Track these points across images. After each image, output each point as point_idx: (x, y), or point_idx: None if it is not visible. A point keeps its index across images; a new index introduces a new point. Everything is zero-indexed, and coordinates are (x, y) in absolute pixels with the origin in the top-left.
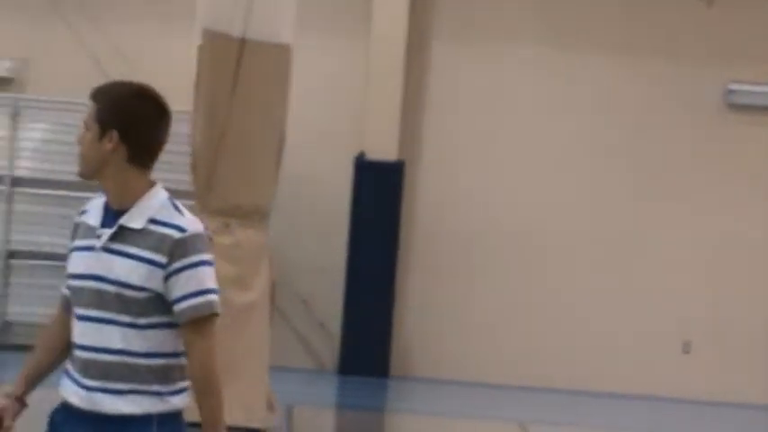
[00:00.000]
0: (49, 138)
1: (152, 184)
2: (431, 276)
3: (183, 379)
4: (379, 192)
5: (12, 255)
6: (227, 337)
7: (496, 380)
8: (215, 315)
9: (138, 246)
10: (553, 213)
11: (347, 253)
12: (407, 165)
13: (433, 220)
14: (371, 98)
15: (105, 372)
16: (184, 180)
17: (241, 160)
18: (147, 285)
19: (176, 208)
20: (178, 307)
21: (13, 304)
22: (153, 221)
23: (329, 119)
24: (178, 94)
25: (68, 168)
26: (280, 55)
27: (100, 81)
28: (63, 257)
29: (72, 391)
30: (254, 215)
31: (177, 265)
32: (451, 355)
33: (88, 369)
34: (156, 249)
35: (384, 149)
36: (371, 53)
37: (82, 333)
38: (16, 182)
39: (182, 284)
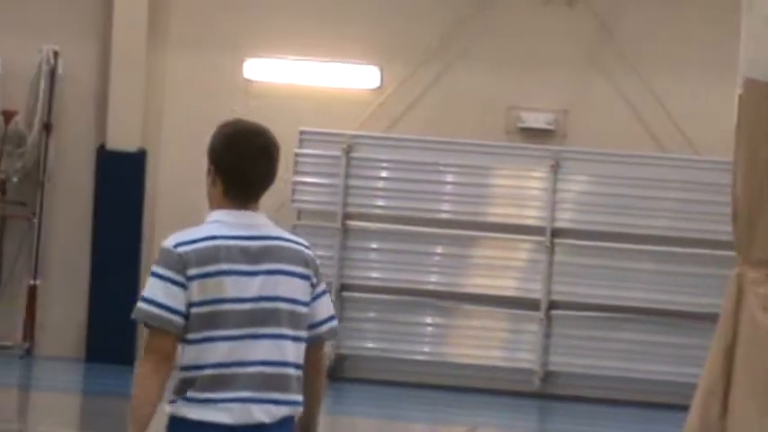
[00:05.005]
0: (588, 189)
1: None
2: None
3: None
4: None
5: (552, 305)
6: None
7: None
8: (148, 326)
9: None
10: None
11: None
12: None
13: None
14: None
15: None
16: (726, 230)
17: None
18: None
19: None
20: None
21: (554, 354)
22: None
23: None
24: (719, 144)
25: (608, 219)
26: None
27: (638, 132)
28: (609, 309)
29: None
30: None
31: None
32: None
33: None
34: None
35: None
36: None
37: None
38: (556, 233)
39: None
